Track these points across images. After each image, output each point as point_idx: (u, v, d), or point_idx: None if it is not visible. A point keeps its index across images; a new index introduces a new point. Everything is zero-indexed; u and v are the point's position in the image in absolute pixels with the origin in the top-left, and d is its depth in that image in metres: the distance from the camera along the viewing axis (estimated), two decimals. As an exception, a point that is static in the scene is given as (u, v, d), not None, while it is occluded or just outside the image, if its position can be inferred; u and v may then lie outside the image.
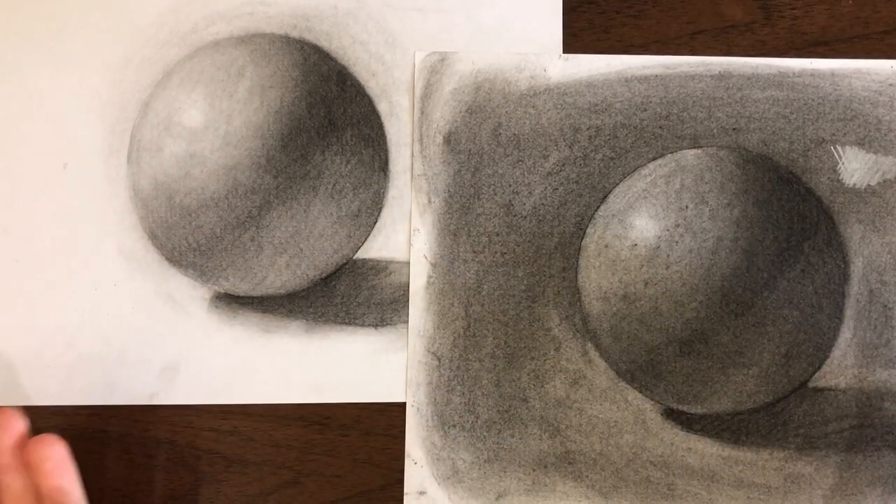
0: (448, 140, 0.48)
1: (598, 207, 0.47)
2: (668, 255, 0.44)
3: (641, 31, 0.49)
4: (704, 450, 0.47)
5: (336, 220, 0.46)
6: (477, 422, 0.47)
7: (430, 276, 0.47)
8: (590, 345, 0.47)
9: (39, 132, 0.48)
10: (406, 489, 0.46)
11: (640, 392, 0.46)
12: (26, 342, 0.47)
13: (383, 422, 0.47)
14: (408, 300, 0.47)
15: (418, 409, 0.47)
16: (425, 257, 0.48)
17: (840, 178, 0.48)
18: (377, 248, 0.48)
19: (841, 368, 0.47)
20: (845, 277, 0.47)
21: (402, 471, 0.47)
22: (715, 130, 0.48)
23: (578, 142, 0.48)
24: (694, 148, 0.47)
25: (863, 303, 0.47)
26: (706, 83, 0.48)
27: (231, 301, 0.48)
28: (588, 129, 0.48)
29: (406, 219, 0.48)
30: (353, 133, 0.47)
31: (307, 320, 0.48)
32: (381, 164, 0.48)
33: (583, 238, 0.47)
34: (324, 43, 0.48)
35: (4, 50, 0.48)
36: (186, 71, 0.46)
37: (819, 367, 0.46)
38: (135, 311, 0.47)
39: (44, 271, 0.47)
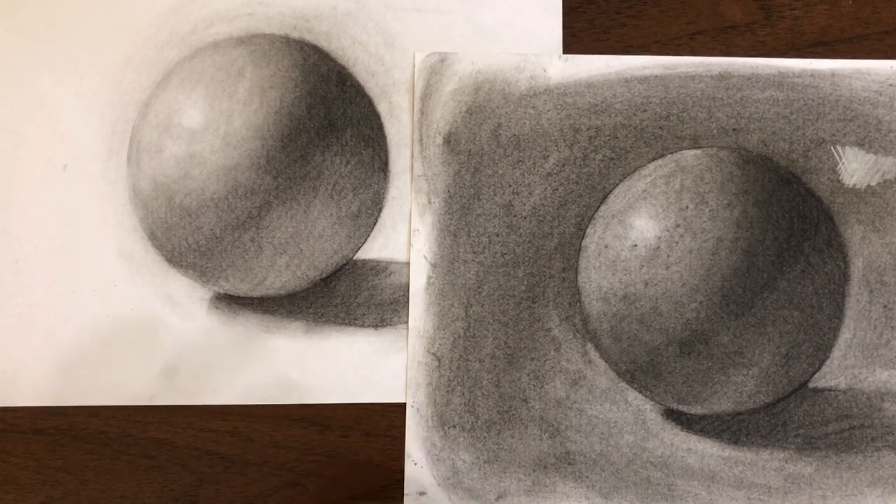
0: (448, 140, 0.48)
1: (598, 208, 0.47)
2: (668, 256, 0.44)
3: (641, 32, 0.49)
4: (704, 450, 0.47)
5: (336, 220, 0.46)
6: (477, 422, 0.47)
7: (429, 277, 0.47)
8: (590, 345, 0.47)
9: (39, 133, 0.48)
10: (406, 490, 0.46)
11: (641, 392, 0.46)
12: (26, 343, 0.47)
13: (383, 423, 0.47)
14: (408, 301, 0.47)
15: (418, 409, 0.47)
16: (425, 258, 0.48)
17: (840, 178, 0.48)
18: (377, 248, 0.48)
19: (841, 369, 0.47)
20: (845, 278, 0.46)
21: (401, 471, 0.47)
22: (715, 131, 0.48)
23: (578, 142, 0.48)
24: (694, 148, 0.47)
25: (863, 303, 0.47)
26: (706, 84, 0.48)
27: (231, 302, 0.48)
28: (588, 129, 0.48)
29: (406, 219, 0.48)
30: (352, 133, 0.47)
31: (307, 321, 0.48)
32: (380, 164, 0.48)
33: (583, 238, 0.47)
34: (323, 43, 0.48)
35: (4, 50, 0.48)
36: (186, 72, 0.46)
37: (819, 368, 0.46)
38: (135, 312, 0.47)
39: (44, 272, 0.47)
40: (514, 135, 0.48)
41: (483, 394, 0.47)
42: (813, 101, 0.48)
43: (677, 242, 0.44)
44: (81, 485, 0.46)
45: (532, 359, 0.47)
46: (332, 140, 0.46)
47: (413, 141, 0.48)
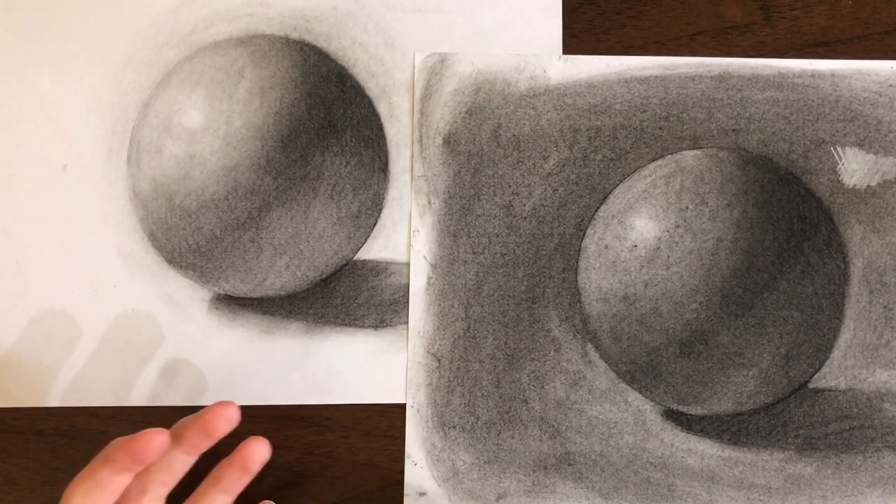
0: (448, 141, 0.48)
1: (598, 208, 0.47)
2: (668, 256, 0.44)
3: (641, 32, 0.49)
4: (704, 451, 0.47)
5: (336, 221, 0.46)
6: (477, 423, 0.47)
7: (429, 278, 0.47)
8: (590, 346, 0.47)
9: (39, 133, 0.48)
10: (406, 490, 0.46)
11: (640, 393, 0.46)
12: (26, 343, 0.47)
13: (383, 423, 0.47)
14: (408, 301, 0.47)
15: (418, 410, 0.47)
16: (425, 258, 0.48)
17: (840, 178, 0.48)
18: (377, 249, 0.48)
19: (841, 369, 0.47)
20: (845, 278, 0.46)
21: (402, 472, 0.47)
22: (715, 131, 0.48)
23: (578, 143, 0.48)
24: (694, 149, 0.47)
25: (863, 304, 0.47)
26: (706, 84, 0.48)
27: (231, 302, 0.48)
28: (588, 130, 0.48)
29: (406, 220, 0.48)
30: (352, 134, 0.47)
31: (307, 321, 0.48)
32: (380, 165, 0.48)
33: (583, 239, 0.47)
34: (323, 44, 0.48)
35: (4, 51, 0.48)
36: (186, 72, 0.46)
37: (819, 368, 0.46)
38: (135, 313, 0.47)
39: (44, 272, 0.47)
40: (514, 135, 0.48)
41: (483, 394, 0.47)
42: (813, 101, 0.48)
43: (677, 243, 0.44)
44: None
45: (532, 359, 0.47)
46: (332, 141, 0.46)
47: (413, 141, 0.48)
